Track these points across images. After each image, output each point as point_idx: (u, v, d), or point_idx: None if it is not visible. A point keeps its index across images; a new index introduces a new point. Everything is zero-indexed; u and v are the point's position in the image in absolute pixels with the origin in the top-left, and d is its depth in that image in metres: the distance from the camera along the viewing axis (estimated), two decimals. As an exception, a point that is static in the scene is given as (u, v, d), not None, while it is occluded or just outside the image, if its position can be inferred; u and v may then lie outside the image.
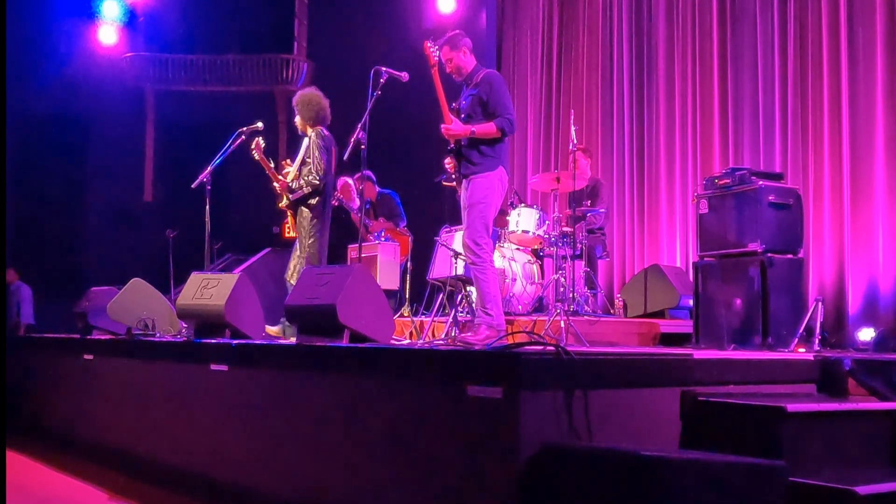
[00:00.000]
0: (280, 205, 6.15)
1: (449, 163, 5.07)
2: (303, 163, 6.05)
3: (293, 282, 5.95)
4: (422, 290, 7.33)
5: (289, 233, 6.23)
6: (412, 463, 3.14)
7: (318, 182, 5.98)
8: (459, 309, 6.36)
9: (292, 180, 6.08)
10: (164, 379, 4.96)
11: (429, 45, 4.97)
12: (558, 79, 9.84)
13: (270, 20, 15.00)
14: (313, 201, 6.07)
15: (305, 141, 6.11)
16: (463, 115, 4.97)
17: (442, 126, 4.90)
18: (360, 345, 3.85)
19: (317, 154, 5.98)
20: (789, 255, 5.35)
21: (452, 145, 4.96)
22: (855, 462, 3.15)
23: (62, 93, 12.41)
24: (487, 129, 4.84)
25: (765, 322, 5.12)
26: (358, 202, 8.78)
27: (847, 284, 6.58)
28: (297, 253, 6.09)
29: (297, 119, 6.17)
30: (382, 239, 8.15)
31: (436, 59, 4.96)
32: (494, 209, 4.91)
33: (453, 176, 5.05)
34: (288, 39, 14.93)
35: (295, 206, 6.10)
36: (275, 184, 6.13)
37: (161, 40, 14.30)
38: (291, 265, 6.10)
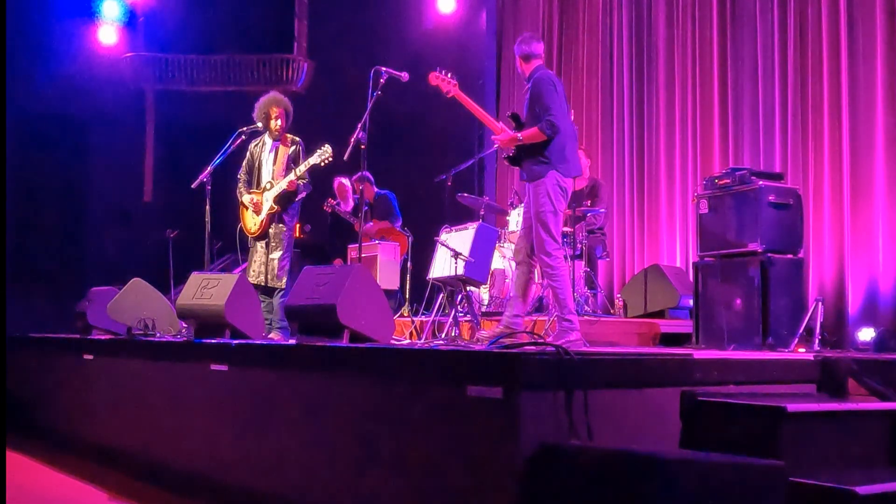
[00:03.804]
0: (269, 210, 6.01)
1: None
2: (287, 168, 5.97)
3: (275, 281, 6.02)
4: (422, 290, 7.33)
5: (254, 231, 6.12)
6: (412, 463, 3.14)
7: (310, 187, 6.05)
8: (459, 309, 6.36)
9: (279, 182, 5.97)
10: (164, 379, 4.96)
11: (437, 74, 5.05)
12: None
13: (270, 20, 14.97)
14: (296, 205, 6.09)
15: (289, 146, 6.02)
16: (523, 119, 5.05)
17: (492, 137, 5.03)
18: (360, 345, 3.85)
19: (303, 160, 5.99)
20: (789, 255, 5.35)
21: (511, 152, 5.00)
22: (855, 462, 3.15)
23: (62, 93, 12.39)
24: (531, 133, 4.87)
25: (765, 322, 5.12)
26: (351, 203, 8.80)
27: (847, 284, 6.57)
28: (265, 253, 6.06)
29: (279, 123, 6.02)
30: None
31: (449, 84, 5.03)
32: (555, 215, 4.88)
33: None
34: (288, 39, 14.90)
35: (282, 208, 6.02)
36: (269, 181, 6.06)
37: (161, 40, 14.27)
38: (257, 263, 6.08)
